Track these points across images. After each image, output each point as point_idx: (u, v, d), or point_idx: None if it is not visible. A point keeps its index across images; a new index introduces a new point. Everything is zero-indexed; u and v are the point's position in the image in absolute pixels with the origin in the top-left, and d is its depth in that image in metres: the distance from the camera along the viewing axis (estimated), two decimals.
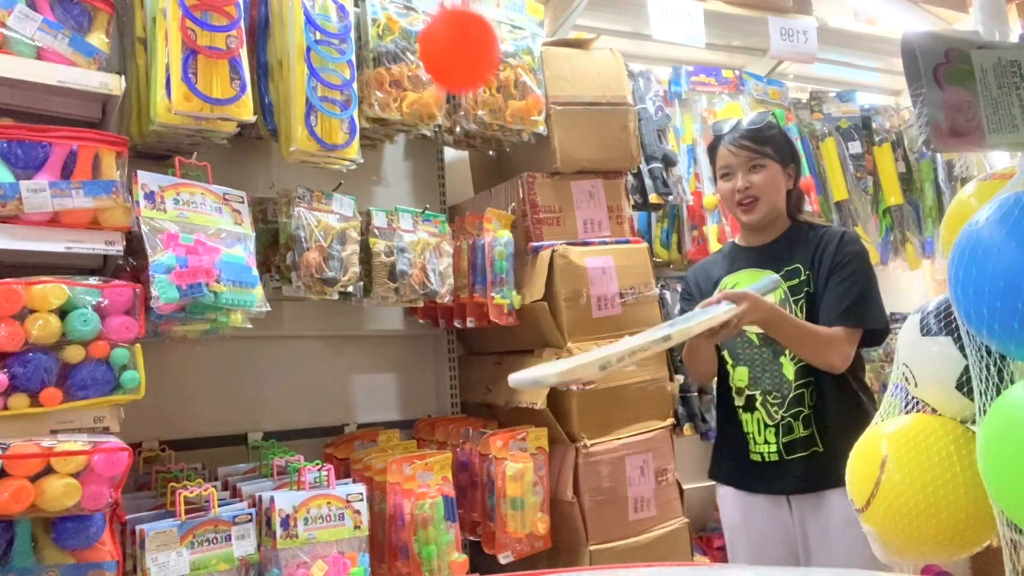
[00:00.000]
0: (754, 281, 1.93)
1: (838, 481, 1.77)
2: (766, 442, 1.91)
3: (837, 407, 1.85)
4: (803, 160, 3.10)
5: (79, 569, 1.35)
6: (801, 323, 1.83)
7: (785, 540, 1.91)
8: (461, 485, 2.11)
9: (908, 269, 3.38)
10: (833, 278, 1.87)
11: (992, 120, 1.09)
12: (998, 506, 1.08)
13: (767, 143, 1.93)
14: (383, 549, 1.91)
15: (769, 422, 1.89)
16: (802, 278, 1.91)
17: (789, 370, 1.89)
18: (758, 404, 1.92)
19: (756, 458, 1.93)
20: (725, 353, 1.99)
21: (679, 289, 2.79)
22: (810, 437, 1.86)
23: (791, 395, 1.87)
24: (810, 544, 1.88)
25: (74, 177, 1.50)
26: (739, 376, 1.97)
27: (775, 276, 1.87)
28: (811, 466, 1.83)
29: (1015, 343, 1.02)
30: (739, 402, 1.97)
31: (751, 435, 1.94)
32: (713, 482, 2.11)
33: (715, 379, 2.09)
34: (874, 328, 1.85)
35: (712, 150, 2.05)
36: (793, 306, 1.90)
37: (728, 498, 2.03)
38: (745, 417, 1.96)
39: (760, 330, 1.90)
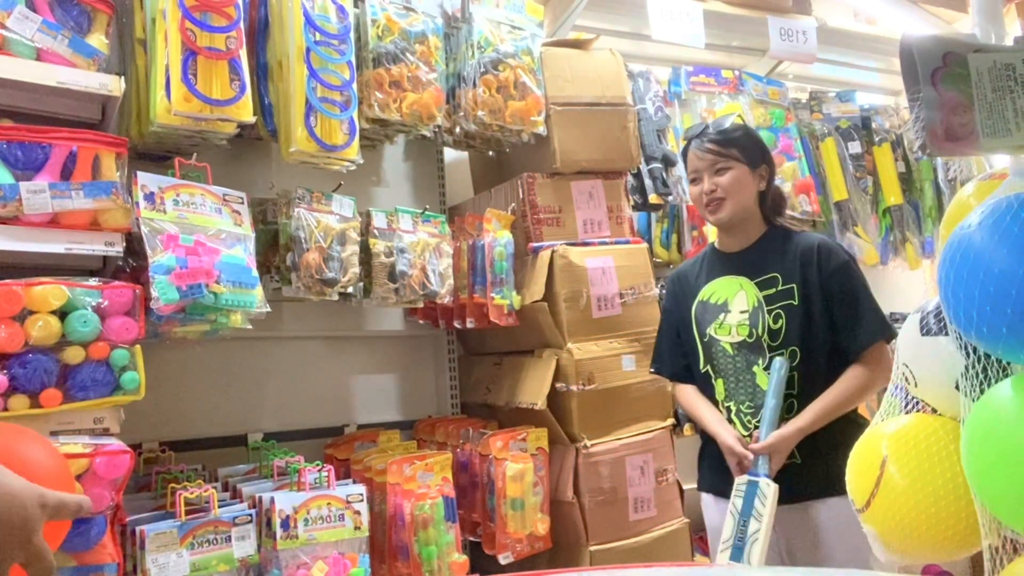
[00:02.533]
0: (731, 292, 1.92)
1: (818, 492, 1.76)
2: None
3: None
4: (803, 160, 3.11)
5: (80, 571, 1.35)
6: (833, 402, 1.79)
7: (771, 548, 1.88)
8: (461, 486, 2.11)
9: (908, 269, 3.38)
10: (837, 304, 1.84)
11: (987, 124, 1.09)
12: (980, 501, 1.09)
13: (732, 145, 1.92)
14: (383, 550, 1.91)
15: (743, 433, 1.85)
16: (780, 288, 1.88)
17: (763, 380, 1.85)
18: (733, 414, 1.90)
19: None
20: (709, 368, 1.96)
21: None
22: None
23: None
24: (796, 556, 1.86)
25: (74, 178, 1.50)
26: (719, 388, 1.94)
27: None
28: (788, 478, 1.76)
29: (1003, 346, 1.02)
30: (722, 414, 1.94)
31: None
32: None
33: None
34: (893, 333, 1.81)
35: (684, 155, 2.05)
36: (767, 316, 1.87)
37: (711, 504, 1.99)
38: None
39: (734, 340, 1.89)
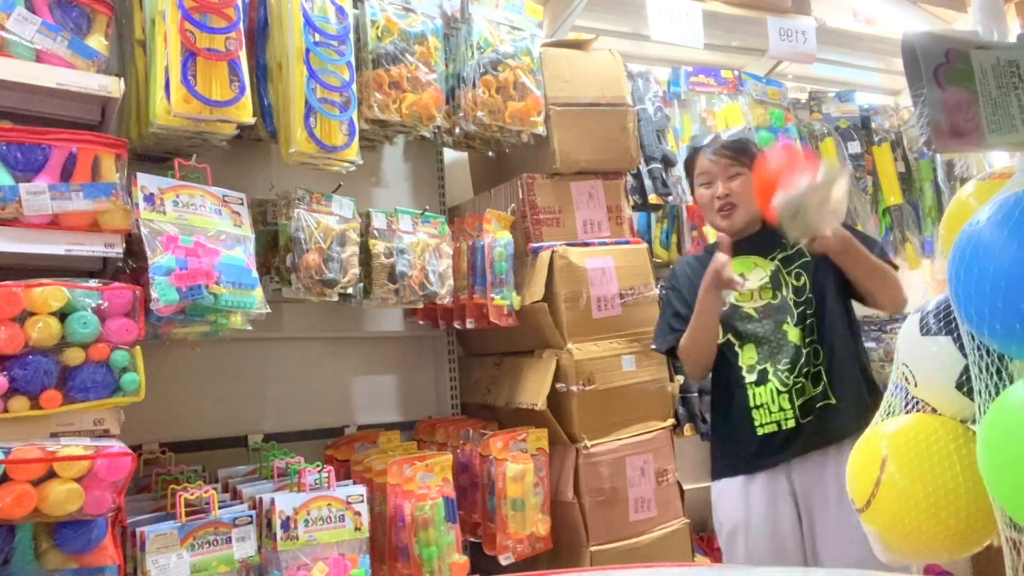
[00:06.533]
0: (746, 268, 1.99)
1: (850, 431, 1.76)
2: (781, 409, 1.91)
3: (841, 360, 1.92)
4: None
5: (81, 573, 1.35)
6: (872, 256, 1.90)
7: (790, 527, 1.91)
8: (462, 486, 2.11)
9: (908, 269, 3.37)
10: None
11: (991, 120, 1.09)
12: (998, 505, 1.08)
13: (745, 153, 2.01)
14: (384, 551, 1.91)
15: (782, 388, 1.91)
16: (791, 252, 1.98)
17: (795, 335, 1.93)
18: (770, 375, 1.94)
19: (770, 429, 1.91)
20: (730, 336, 2.00)
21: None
22: (822, 392, 1.91)
23: (801, 358, 1.91)
24: (815, 524, 1.88)
25: (74, 179, 1.50)
26: (747, 355, 1.98)
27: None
28: (824, 421, 1.88)
29: (1016, 343, 1.02)
30: (751, 378, 1.96)
31: (764, 407, 1.93)
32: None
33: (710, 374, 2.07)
34: (896, 267, 1.98)
35: (690, 162, 2.11)
36: (788, 276, 1.97)
37: (726, 492, 2.00)
38: (758, 391, 1.94)
39: (758, 304, 1.98)
